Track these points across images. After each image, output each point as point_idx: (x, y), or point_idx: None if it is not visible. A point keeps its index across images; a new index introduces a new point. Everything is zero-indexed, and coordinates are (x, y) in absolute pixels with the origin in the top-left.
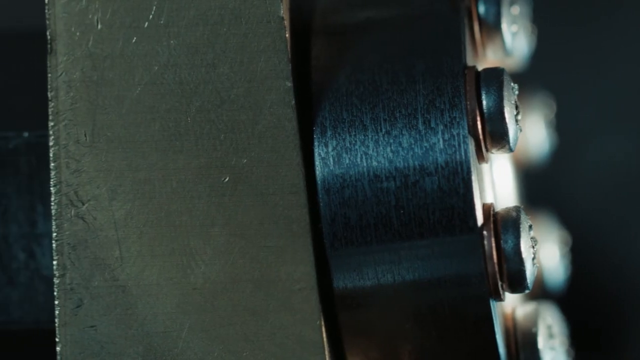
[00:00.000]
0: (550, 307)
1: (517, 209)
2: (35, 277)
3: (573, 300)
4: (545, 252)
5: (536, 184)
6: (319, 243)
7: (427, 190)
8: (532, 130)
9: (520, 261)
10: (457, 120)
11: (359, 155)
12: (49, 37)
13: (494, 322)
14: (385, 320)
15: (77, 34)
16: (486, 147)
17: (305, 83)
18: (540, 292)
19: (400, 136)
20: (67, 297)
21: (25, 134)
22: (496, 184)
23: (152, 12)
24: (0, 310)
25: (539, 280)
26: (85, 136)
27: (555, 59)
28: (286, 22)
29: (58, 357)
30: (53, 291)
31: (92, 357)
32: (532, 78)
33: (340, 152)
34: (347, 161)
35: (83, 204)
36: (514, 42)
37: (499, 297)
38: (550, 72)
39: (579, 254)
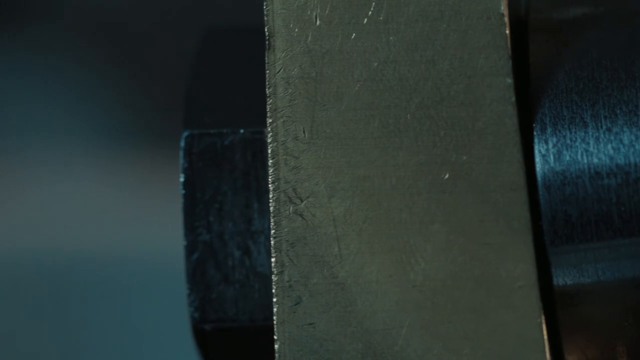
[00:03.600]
0: None
1: None
2: (251, 274)
3: None
4: None
5: None
6: (538, 240)
7: None
8: None
9: None
10: None
11: (579, 152)
12: (267, 33)
13: None
14: (604, 317)
15: (296, 30)
16: None
17: (523, 80)
18: None
19: (621, 133)
20: (285, 295)
21: (241, 131)
22: None
23: (371, 9)
24: (215, 308)
25: None
26: (304, 133)
27: None
28: (506, 19)
29: (276, 355)
30: (268, 288)
31: (310, 355)
32: None
33: (560, 149)
34: (568, 158)
35: (302, 201)
36: None
37: None
38: None
39: None
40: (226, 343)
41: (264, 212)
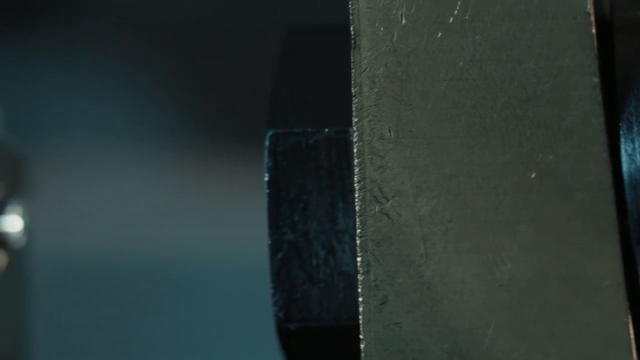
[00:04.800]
0: None
1: None
2: (335, 273)
3: None
4: None
5: None
6: (625, 240)
7: None
8: None
9: None
10: None
11: None
12: (352, 32)
13: None
14: None
15: (381, 29)
16: None
17: (609, 79)
18: None
19: None
20: (371, 294)
21: (326, 130)
22: None
23: (457, 7)
24: (300, 307)
25: None
26: (390, 132)
27: None
28: (592, 18)
29: (362, 354)
30: (353, 288)
31: (396, 354)
32: None
33: None
34: None
35: (387, 200)
36: None
37: None
38: None
39: None
40: (310, 342)
41: (349, 211)
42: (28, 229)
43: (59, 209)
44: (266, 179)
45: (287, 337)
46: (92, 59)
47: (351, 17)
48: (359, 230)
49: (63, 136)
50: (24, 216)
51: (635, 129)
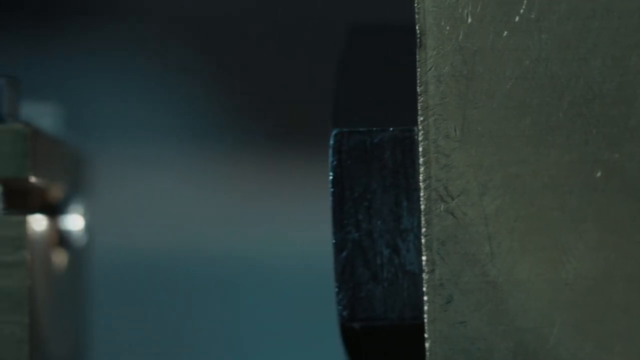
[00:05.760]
0: None
1: None
2: (400, 272)
3: None
4: None
5: None
6: None
7: None
8: None
9: None
10: None
11: None
12: (418, 31)
13: None
14: None
15: (447, 27)
16: None
17: None
18: None
19: None
20: (436, 293)
21: (391, 129)
22: None
23: (523, 6)
24: (364, 306)
25: None
26: (455, 131)
27: None
28: None
29: (427, 353)
30: (417, 287)
31: (461, 353)
32: None
33: None
34: None
35: (453, 199)
36: None
37: None
38: None
39: None
40: (374, 341)
41: (413, 210)
42: (89, 228)
43: (120, 208)
44: (331, 177)
45: (351, 336)
46: (152, 59)
47: (417, 16)
48: (424, 229)
49: (124, 135)
50: (85, 215)
51: None
